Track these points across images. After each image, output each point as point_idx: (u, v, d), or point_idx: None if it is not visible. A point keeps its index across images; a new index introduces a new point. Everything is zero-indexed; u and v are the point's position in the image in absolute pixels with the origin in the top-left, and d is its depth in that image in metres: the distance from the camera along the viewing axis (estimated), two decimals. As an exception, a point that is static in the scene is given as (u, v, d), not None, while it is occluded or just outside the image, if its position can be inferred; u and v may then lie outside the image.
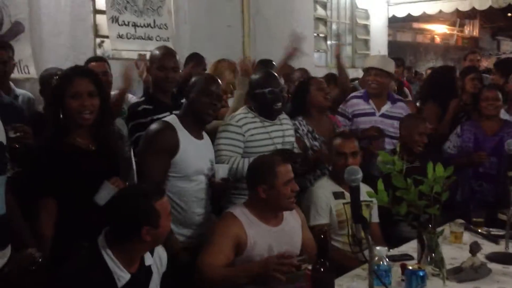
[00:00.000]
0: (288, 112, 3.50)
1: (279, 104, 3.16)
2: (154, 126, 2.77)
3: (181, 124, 2.78)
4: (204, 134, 2.94)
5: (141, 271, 2.12)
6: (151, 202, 2.04)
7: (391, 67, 4.16)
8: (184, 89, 2.92)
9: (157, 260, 2.22)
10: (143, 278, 2.14)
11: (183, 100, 2.95)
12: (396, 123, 3.91)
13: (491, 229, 3.13)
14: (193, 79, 2.92)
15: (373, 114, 3.99)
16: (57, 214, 2.35)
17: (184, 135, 2.76)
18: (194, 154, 2.76)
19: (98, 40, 5.01)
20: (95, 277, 1.98)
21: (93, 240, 2.09)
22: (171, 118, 2.83)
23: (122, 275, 2.04)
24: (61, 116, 2.41)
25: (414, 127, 3.62)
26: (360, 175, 1.96)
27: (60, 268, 2.03)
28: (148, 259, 2.16)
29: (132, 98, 3.83)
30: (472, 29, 18.25)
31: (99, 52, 4.97)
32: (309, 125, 3.58)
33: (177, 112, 2.95)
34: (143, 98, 3.33)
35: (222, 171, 2.84)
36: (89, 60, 4.01)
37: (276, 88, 3.13)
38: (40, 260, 2.11)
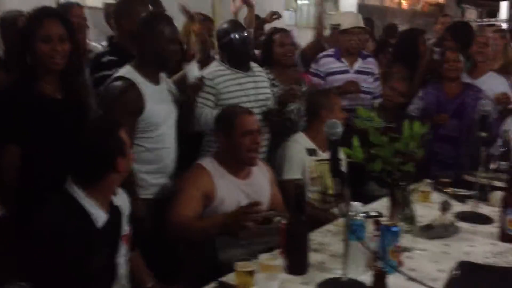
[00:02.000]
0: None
1: (247, 49, 3.17)
2: (114, 87, 2.57)
3: (139, 73, 2.61)
4: (162, 77, 2.77)
5: (113, 211, 2.08)
6: (117, 133, 2.03)
7: (362, 21, 4.18)
8: (144, 30, 2.68)
9: (120, 200, 2.17)
10: (116, 218, 2.10)
11: None
12: (369, 78, 3.97)
13: (457, 190, 3.18)
14: (144, 20, 2.72)
15: (347, 71, 3.99)
16: (19, 163, 2.24)
17: (145, 87, 2.60)
18: (158, 102, 2.64)
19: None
20: (74, 221, 1.92)
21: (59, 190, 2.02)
22: (127, 72, 2.62)
23: (100, 215, 1.99)
24: (28, 60, 2.26)
25: (385, 82, 3.76)
26: (340, 129, 1.92)
27: (35, 218, 1.96)
28: (116, 200, 2.12)
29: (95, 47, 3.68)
30: (438, -4, 18.32)
31: (62, -1, 4.73)
32: (271, 74, 3.53)
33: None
34: (107, 48, 3.19)
35: (193, 70, 2.77)
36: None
37: (242, 33, 3.13)
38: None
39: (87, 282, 1.90)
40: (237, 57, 3.16)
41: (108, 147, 2.00)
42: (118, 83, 2.57)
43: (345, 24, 4.08)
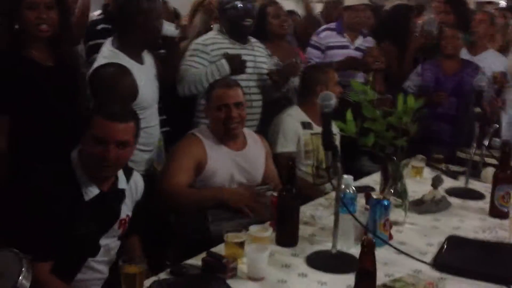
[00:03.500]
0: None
1: (250, 20, 3.10)
2: (107, 75, 2.43)
3: (124, 54, 2.50)
4: (145, 56, 2.68)
5: (113, 192, 2.06)
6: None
7: None
8: (128, 8, 2.54)
9: (132, 186, 2.16)
10: (115, 199, 2.07)
11: None
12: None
13: (450, 166, 3.19)
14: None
15: (347, 47, 3.95)
16: (9, 133, 2.22)
17: (133, 69, 2.50)
18: (145, 83, 2.55)
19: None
20: (61, 187, 1.90)
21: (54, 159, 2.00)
22: (113, 55, 2.48)
23: (90, 189, 1.97)
24: (16, 27, 2.23)
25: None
26: (333, 100, 1.91)
27: (22, 179, 1.95)
28: (123, 183, 2.09)
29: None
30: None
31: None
32: (268, 49, 3.48)
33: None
34: (101, 16, 3.15)
35: (168, 28, 2.69)
36: None
37: (248, 2, 3.07)
38: None
39: (64, 250, 1.89)
40: (238, 25, 3.11)
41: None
42: (111, 69, 2.45)
43: (351, 1, 4.03)
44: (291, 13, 4.32)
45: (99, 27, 2.97)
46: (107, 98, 2.37)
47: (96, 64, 2.49)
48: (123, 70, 2.46)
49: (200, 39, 3.10)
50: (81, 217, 1.94)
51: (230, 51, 3.07)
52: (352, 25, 3.98)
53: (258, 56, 3.23)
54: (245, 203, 2.36)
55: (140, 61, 2.61)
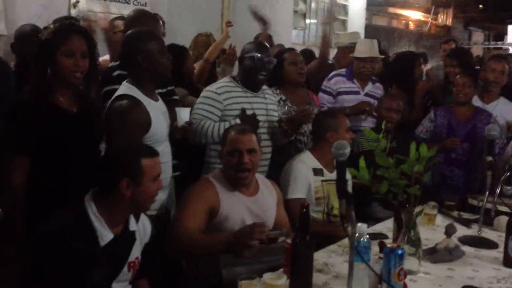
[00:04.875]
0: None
1: (264, 73, 3.15)
2: (120, 105, 2.50)
3: (139, 90, 2.59)
4: (157, 96, 2.77)
5: (125, 235, 2.07)
6: (137, 156, 2.01)
7: (377, 49, 4.23)
8: (128, 50, 2.65)
9: (141, 228, 2.18)
10: (126, 242, 2.09)
11: None
12: (376, 103, 4.00)
13: (462, 213, 3.18)
14: (131, 35, 2.67)
15: (358, 93, 4.05)
16: (29, 175, 2.26)
17: (147, 104, 2.59)
18: (158, 118, 2.63)
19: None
20: (77, 233, 1.92)
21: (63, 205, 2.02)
22: (128, 89, 2.59)
23: (105, 233, 1.99)
24: (48, 73, 2.30)
25: (381, 103, 3.79)
26: (348, 149, 1.93)
27: (43, 223, 1.97)
28: (133, 225, 2.12)
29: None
30: (445, 18, 18.42)
31: (73, 12, 4.78)
32: (283, 94, 3.54)
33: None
34: (117, 63, 3.22)
35: (183, 114, 2.75)
36: (58, 20, 3.79)
37: (265, 57, 3.12)
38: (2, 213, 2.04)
39: None
40: (252, 76, 3.15)
41: (118, 163, 2.01)
42: (124, 101, 2.52)
43: (361, 51, 4.13)
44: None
45: (115, 73, 3.04)
46: (120, 127, 2.44)
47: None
48: (135, 101, 2.53)
49: (213, 87, 3.13)
50: (98, 263, 1.95)
51: (242, 99, 3.11)
52: (359, 75, 4.09)
53: (269, 104, 3.27)
54: (246, 237, 2.30)
55: (154, 98, 2.69)
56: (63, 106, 2.32)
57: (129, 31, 2.75)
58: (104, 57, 3.85)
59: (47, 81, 2.30)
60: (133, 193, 2.00)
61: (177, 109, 2.78)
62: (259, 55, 3.10)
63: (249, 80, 3.17)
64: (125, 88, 2.61)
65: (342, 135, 3.04)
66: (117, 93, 2.61)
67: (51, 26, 2.37)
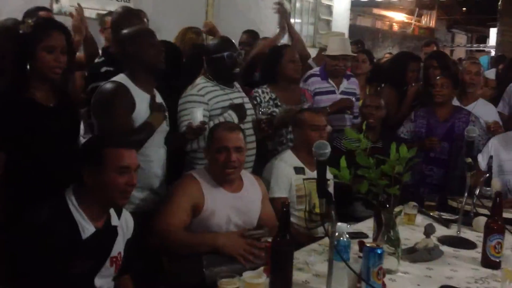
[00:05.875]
0: (256, 81, 3.45)
1: (238, 69, 3.16)
2: (105, 89, 2.62)
3: (133, 83, 2.66)
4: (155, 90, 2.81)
5: (107, 229, 2.07)
6: (100, 145, 2.02)
7: (349, 47, 4.25)
8: (121, 44, 2.77)
9: (123, 224, 2.17)
10: (108, 236, 2.09)
11: None
12: (353, 99, 4.07)
13: (442, 213, 3.21)
14: (126, 32, 2.77)
15: (333, 92, 4.07)
16: (6, 170, 2.24)
17: (141, 98, 2.65)
18: (141, 108, 2.65)
19: (55, -6, 4.78)
20: (59, 225, 1.92)
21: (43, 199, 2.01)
22: (122, 78, 2.68)
23: (87, 226, 1.99)
24: (27, 67, 2.28)
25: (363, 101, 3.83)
26: (328, 149, 1.94)
27: (24, 215, 1.96)
28: (115, 220, 2.12)
29: None
30: (429, 20, 18.62)
31: (55, 7, 4.75)
32: (273, 92, 3.53)
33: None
34: (102, 59, 3.20)
35: (199, 114, 2.78)
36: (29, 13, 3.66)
37: (234, 53, 3.12)
38: None
39: None
40: (226, 74, 3.15)
41: (80, 151, 2.04)
42: (108, 85, 2.62)
43: (332, 49, 4.13)
44: None
45: (103, 69, 3.02)
46: (107, 108, 2.52)
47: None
48: (118, 84, 2.61)
49: (193, 91, 3.05)
50: (79, 256, 1.94)
51: (223, 96, 3.11)
52: (332, 73, 4.10)
53: (245, 97, 3.29)
54: (239, 252, 2.36)
55: (149, 92, 2.72)
56: (39, 101, 2.31)
57: (127, 32, 2.78)
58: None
59: (26, 76, 2.28)
60: (95, 182, 1.99)
61: (191, 109, 2.80)
62: (228, 53, 3.09)
63: (224, 77, 3.15)
64: (118, 77, 2.68)
65: (306, 132, 3.06)
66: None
67: (29, 20, 2.36)
